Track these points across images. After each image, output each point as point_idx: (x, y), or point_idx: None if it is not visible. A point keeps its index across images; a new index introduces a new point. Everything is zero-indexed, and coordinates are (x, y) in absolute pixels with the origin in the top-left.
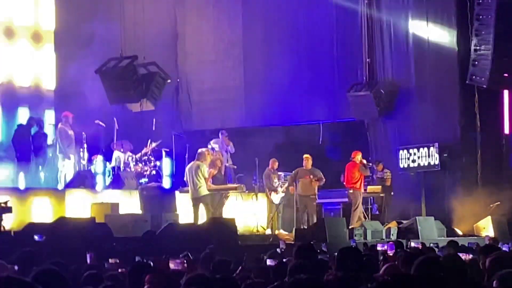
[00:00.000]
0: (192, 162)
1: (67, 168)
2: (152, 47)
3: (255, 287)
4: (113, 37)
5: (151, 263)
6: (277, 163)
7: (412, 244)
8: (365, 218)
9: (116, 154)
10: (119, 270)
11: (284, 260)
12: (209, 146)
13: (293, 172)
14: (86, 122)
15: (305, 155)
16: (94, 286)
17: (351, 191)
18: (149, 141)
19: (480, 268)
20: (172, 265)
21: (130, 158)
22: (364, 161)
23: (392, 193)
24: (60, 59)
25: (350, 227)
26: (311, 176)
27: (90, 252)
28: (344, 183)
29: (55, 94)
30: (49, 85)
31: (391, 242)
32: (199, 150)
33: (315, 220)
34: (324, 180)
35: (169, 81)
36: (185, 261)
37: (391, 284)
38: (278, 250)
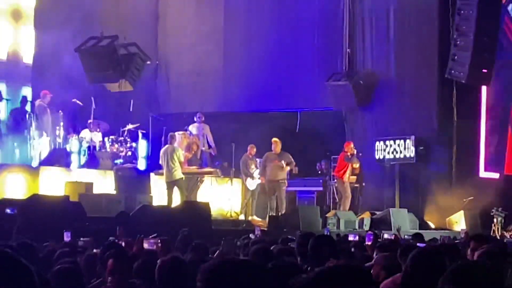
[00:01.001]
0: (167, 145)
1: (42, 146)
2: (132, 28)
3: None
4: (94, 16)
5: (123, 243)
6: (255, 149)
7: (386, 236)
8: (339, 207)
9: (92, 134)
10: (94, 251)
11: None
12: (188, 129)
13: (263, 157)
14: (63, 100)
15: (273, 139)
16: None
17: (335, 180)
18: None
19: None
20: (146, 245)
21: (106, 139)
22: (349, 152)
23: (363, 184)
24: (39, 36)
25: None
26: (282, 161)
27: (67, 230)
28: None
29: (33, 70)
30: (27, 62)
31: (369, 232)
32: (170, 133)
33: (284, 206)
34: (294, 164)
35: (148, 62)
36: (159, 241)
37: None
38: (251, 235)
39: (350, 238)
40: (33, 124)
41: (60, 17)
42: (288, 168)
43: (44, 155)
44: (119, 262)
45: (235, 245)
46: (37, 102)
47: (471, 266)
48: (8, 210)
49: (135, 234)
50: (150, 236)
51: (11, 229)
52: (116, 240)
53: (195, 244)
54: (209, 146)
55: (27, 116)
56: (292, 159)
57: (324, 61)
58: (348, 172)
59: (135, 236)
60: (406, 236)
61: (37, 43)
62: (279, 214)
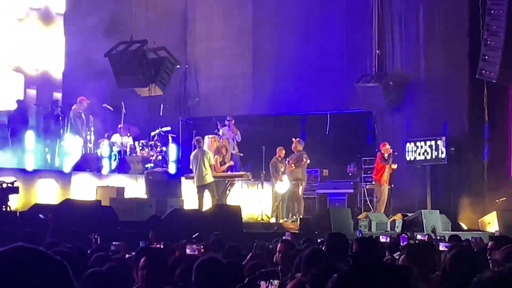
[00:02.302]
0: (197, 149)
1: (74, 150)
2: (162, 32)
3: (269, 275)
4: (123, 21)
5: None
6: (283, 152)
7: (419, 237)
8: (371, 209)
9: (123, 138)
10: (126, 256)
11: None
12: (219, 133)
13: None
14: (94, 105)
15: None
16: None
17: (373, 182)
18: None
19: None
20: (188, 250)
21: (136, 143)
22: (386, 153)
23: (392, 185)
24: (69, 42)
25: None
26: (288, 162)
27: (96, 234)
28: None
29: (63, 76)
30: (58, 68)
31: (404, 235)
32: (197, 138)
33: (301, 207)
34: (303, 158)
35: (178, 66)
36: (202, 247)
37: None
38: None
39: (382, 239)
40: (66, 128)
41: (90, 22)
42: (296, 165)
43: (76, 159)
44: (152, 267)
45: (267, 248)
46: (74, 107)
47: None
48: (41, 215)
49: (167, 238)
50: (193, 236)
51: (45, 234)
52: (149, 244)
53: (228, 247)
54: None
55: (59, 120)
56: (299, 156)
57: (353, 62)
58: (386, 173)
59: (166, 240)
60: (438, 237)
61: (67, 49)
62: (300, 216)
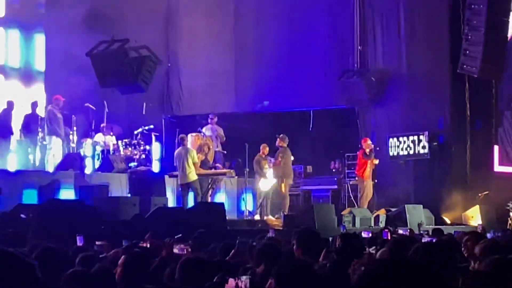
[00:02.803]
0: (180, 147)
1: (55, 150)
2: (143, 31)
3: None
4: (104, 20)
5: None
6: (267, 149)
7: (400, 231)
8: (355, 205)
9: (106, 137)
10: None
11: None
12: (202, 131)
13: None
14: (76, 105)
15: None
16: (88, 267)
17: (356, 178)
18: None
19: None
20: (176, 250)
21: (119, 142)
22: (367, 148)
23: (375, 181)
24: (50, 41)
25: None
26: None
27: (79, 234)
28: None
29: (45, 75)
30: (39, 67)
31: (386, 230)
32: (181, 135)
33: (286, 204)
34: (277, 156)
35: (160, 64)
36: (189, 247)
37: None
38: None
39: (364, 235)
40: (46, 129)
41: (70, 21)
42: (271, 164)
43: (57, 159)
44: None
45: (251, 245)
46: (49, 107)
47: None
48: (22, 216)
49: (151, 236)
50: (176, 237)
51: (26, 234)
52: (135, 243)
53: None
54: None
55: (40, 120)
56: (278, 156)
57: (335, 59)
58: (368, 169)
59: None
60: (422, 232)
61: (48, 48)
62: (284, 212)
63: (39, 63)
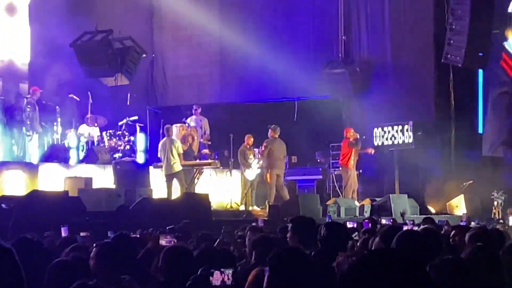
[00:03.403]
0: (165, 138)
1: (33, 142)
2: (127, 22)
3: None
4: (88, 11)
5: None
6: (252, 139)
7: (383, 221)
8: (339, 195)
9: (90, 128)
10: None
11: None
12: (186, 122)
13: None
14: (60, 95)
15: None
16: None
17: (340, 168)
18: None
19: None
20: (162, 242)
21: (104, 133)
22: (352, 137)
23: (360, 171)
24: (34, 32)
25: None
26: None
27: (64, 225)
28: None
29: (29, 66)
30: (23, 58)
31: (366, 220)
32: (166, 126)
33: (271, 195)
34: (262, 148)
35: (144, 55)
36: (175, 239)
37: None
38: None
39: (349, 225)
40: (26, 120)
41: (54, 12)
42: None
43: (36, 151)
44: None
45: (236, 234)
46: (27, 99)
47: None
48: (3, 205)
49: (136, 227)
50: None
51: (8, 225)
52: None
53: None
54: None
55: (24, 111)
56: (263, 145)
57: (320, 49)
58: (352, 158)
59: (136, 230)
60: (407, 221)
61: (32, 39)
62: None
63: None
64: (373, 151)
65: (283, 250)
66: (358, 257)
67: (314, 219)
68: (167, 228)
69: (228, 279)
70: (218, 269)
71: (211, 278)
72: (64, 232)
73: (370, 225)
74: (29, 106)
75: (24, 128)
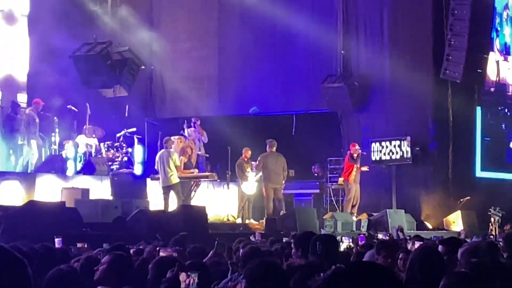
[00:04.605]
0: (162, 150)
1: (33, 152)
2: (127, 33)
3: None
4: (88, 22)
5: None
6: (249, 152)
7: (380, 236)
8: (337, 209)
9: (88, 139)
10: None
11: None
12: (184, 134)
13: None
14: (58, 106)
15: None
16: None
17: (342, 182)
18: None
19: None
20: (162, 254)
21: (102, 144)
22: (355, 153)
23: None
24: (33, 43)
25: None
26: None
27: (58, 236)
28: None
29: (28, 77)
30: (22, 68)
31: (362, 235)
32: (166, 138)
33: (269, 208)
34: (257, 162)
35: (143, 67)
36: (175, 252)
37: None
38: (252, 238)
39: (345, 241)
40: (24, 131)
41: (54, 23)
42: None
43: (35, 162)
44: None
45: (229, 247)
46: (27, 110)
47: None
48: None
49: (132, 239)
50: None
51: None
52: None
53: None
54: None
55: (20, 123)
56: (258, 159)
57: (318, 63)
58: (354, 173)
59: (132, 241)
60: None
61: (31, 49)
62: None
63: (23, 6)
64: (367, 169)
65: (260, 263)
66: (331, 270)
67: (314, 232)
68: (173, 238)
69: (194, 282)
70: (186, 271)
71: (180, 277)
72: (58, 244)
73: (365, 240)
74: (30, 117)
75: (19, 138)
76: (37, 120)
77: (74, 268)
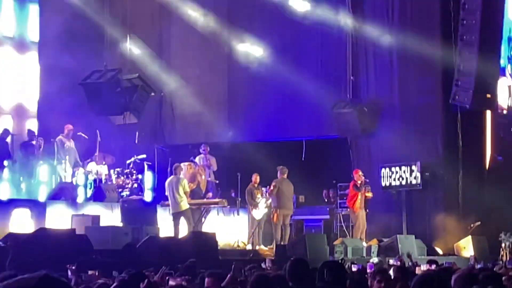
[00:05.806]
0: (172, 176)
1: (53, 177)
2: (136, 60)
3: None
4: (98, 49)
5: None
6: (259, 178)
7: (391, 262)
8: (347, 235)
9: (98, 166)
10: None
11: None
12: (194, 160)
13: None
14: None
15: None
16: None
17: (348, 209)
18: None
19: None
20: (172, 283)
21: (112, 171)
22: (358, 180)
23: (367, 210)
24: (44, 70)
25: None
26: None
27: (70, 265)
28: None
29: (39, 104)
30: (32, 96)
31: (371, 263)
32: (175, 164)
33: (277, 234)
34: (270, 187)
35: (153, 94)
36: (185, 281)
37: None
38: (263, 265)
39: (353, 268)
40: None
41: (64, 50)
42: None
43: (51, 188)
44: None
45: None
46: (59, 137)
47: None
48: (0, 243)
49: (143, 266)
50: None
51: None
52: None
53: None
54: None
55: (35, 149)
56: (272, 184)
57: (328, 89)
58: (358, 200)
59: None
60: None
61: (42, 77)
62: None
63: (33, 33)
64: (371, 195)
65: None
66: None
67: (305, 260)
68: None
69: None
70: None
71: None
72: (70, 272)
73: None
74: (59, 143)
75: (38, 162)
76: (68, 144)
77: None
